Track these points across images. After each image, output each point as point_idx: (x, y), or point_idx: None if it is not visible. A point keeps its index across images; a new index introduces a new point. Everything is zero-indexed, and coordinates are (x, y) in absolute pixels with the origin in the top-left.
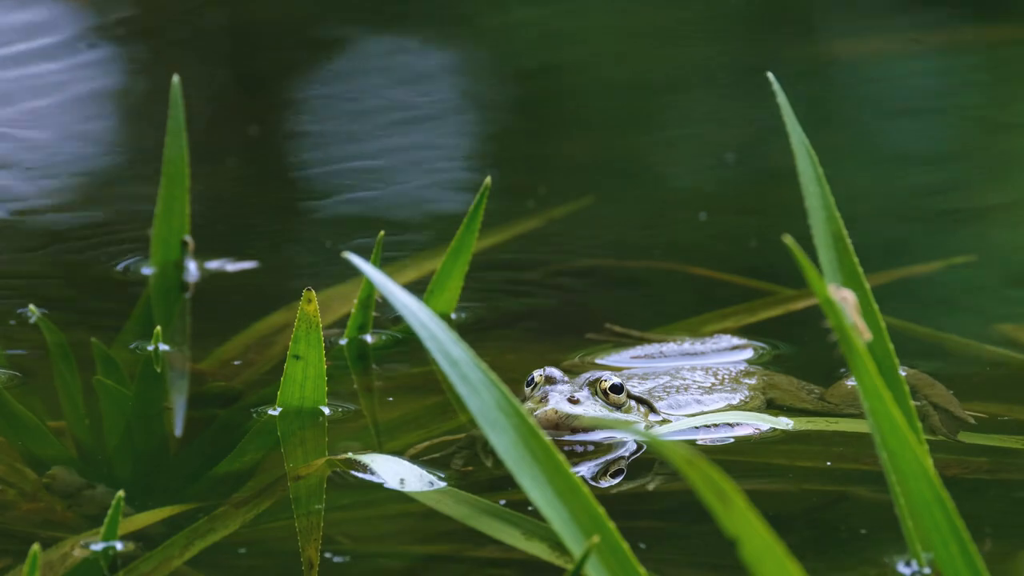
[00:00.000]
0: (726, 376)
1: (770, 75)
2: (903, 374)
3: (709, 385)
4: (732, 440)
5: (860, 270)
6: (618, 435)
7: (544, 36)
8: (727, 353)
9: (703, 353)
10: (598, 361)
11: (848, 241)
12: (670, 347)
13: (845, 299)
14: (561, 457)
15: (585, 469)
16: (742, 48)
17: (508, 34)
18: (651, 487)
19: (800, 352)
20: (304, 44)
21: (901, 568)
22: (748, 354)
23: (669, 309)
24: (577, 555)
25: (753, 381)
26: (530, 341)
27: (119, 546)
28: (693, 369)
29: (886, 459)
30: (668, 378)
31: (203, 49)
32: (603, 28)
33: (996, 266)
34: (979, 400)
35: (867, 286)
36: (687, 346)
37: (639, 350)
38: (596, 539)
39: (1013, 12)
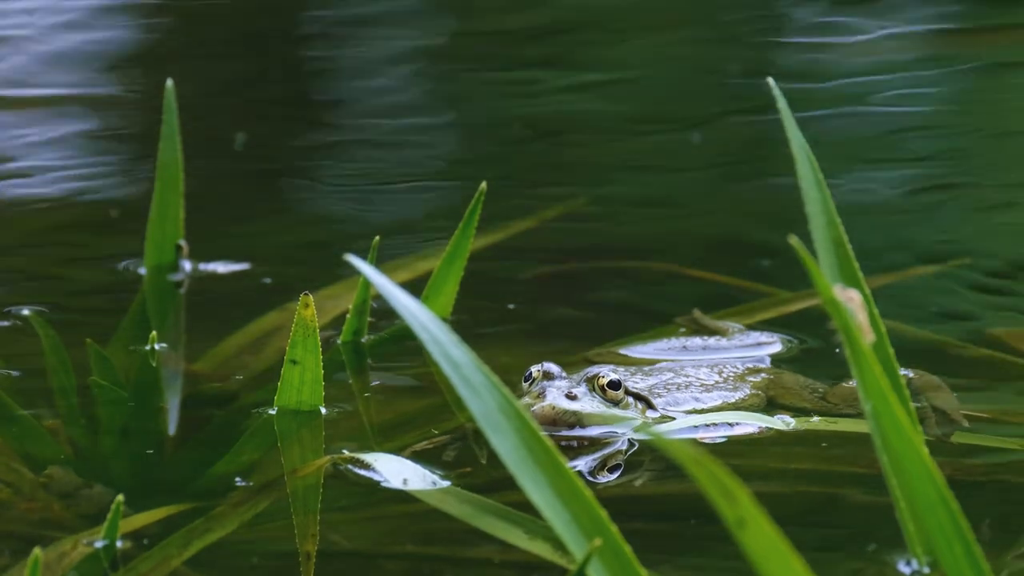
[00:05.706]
0: (731, 374)
1: (770, 80)
2: (911, 375)
3: (712, 383)
4: (728, 439)
5: (861, 275)
6: (616, 431)
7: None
8: (752, 349)
9: (726, 349)
10: (622, 352)
11: (848, 247)
12: (694, 342)
13: (851, 299)
14: (562, 459)
15: (582, 464)
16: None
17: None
18: (641, 483)
19: (826, 348)
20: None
21: (901, 567)
22: (773, 349)
23: (668, 310)
24: (580, 557)
25: (757, 379)
26: (526, 343)
27: (118, 544)
28: (698, 366)
29: (887, 461)
30: (671, 374)
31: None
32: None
33: (991, 269)
34: (973, 403)
35: (868, 291)
36: (711, 342)
37: (663, 344)
38: (598, 542)
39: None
